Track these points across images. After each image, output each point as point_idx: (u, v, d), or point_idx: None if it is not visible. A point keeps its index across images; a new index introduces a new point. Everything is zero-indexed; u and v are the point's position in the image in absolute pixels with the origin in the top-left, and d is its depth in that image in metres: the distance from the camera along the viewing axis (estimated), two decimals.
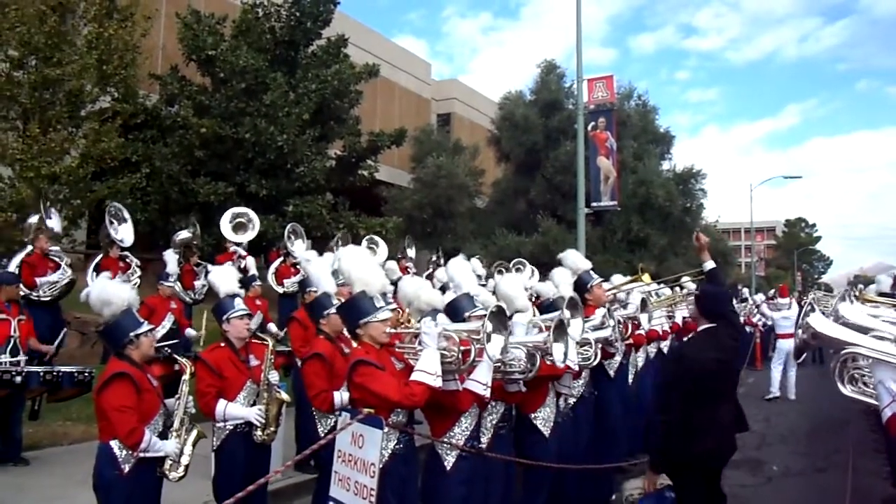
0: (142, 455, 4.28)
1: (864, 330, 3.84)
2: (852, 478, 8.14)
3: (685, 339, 8.79)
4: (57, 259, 9.27)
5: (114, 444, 4.25)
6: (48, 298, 9.04)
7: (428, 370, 4.15)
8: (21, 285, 8.52)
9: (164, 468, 4.43)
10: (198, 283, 10.94)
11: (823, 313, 4.32)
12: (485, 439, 5.08)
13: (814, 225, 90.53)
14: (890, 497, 7.07)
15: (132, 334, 4.41)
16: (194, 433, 4.63)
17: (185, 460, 4.51)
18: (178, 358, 5.11)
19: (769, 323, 23.42)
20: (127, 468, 4.26)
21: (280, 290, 12.16)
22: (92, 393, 4.35)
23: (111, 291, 4.47)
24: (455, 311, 5.05)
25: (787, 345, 14.24)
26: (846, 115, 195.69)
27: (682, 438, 4.70)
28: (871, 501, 7.22)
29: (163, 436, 4.46)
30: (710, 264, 5.84)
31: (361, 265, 4.77)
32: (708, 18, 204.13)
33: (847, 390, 3.84)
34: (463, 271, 5.68)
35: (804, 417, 12.28)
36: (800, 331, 4.18)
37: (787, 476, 8.71)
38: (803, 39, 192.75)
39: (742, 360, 17.05)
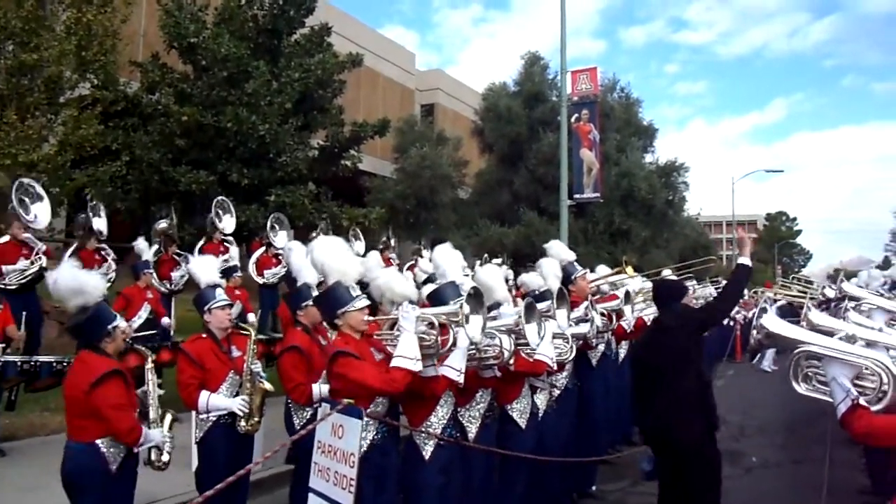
0: (136, 450, 4.26)
1: (831, 332, 3.91)
2: (829, 469, 8.22)
3: None
4: (32, 245, 9.12)
5: (100, 442, 4.15)
6: (14, 287, 8.82)
7: (407, 355, 4.14)
8: None
9: (150, 459, 4.41)
10: (175, 274, 10.79)
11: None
12: (473, 428, 5.11)
13: (794, 219, 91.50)
14: (865, 487, 7.15)
15: (110, 326, 4.29)
16: (168, 417, 4.62)
17: (167, 447, 4.50)
18: (139, 348, 5.06)
19: (749, 316, 23.68)
20: (115, 466, 4.20)
21: (260, 280, 12.08)
22: (72, 390, 4.20)
23: (84, 280, 4.29)
24: (440, 299, 5.03)
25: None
26: (832, 110, 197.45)
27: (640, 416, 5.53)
28: (847, 492, 7.30)
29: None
30: (744, 260, 5.32)
31: (336, 255, 4.74)
32: (699, 12, 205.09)
33: (801, 388, 3.90)
34: (450, 259, 5.66)
35: (782, 410, 12.38)
36: (754, 331, 4.21)
37: (765, 468, 8.80)
38: (792, 34, 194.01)
39: (720, 356, 17.26)
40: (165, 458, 4.50)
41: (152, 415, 4.51)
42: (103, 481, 4.15)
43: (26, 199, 9.49)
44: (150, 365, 4.73)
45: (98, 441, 4.15)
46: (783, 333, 3.95)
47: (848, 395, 3.44)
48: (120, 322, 4.43)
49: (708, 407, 5.22)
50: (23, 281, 8.91)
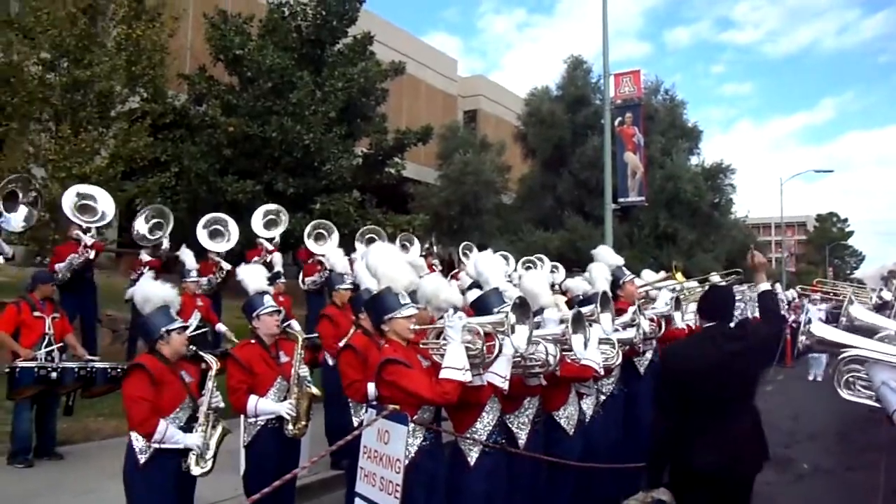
0: (157, 446, 4.36)
1: (874, 331, 3.84)
2: (885, 476, 8.03)
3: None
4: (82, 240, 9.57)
5: (133, 434, 4.38)
6: (66, 279, 9.27)
7: (456, 366, 4.16)
8: None
9: (187, 462, 4.48)
10: (203, 279, 10.97)
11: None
12: (523, 434, 5.12)
13: (846, 219, 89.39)
14: None
15: (163, 329, 4.54)
16: (220, 429, 4.66)
17: (209, 455, 4.55)
18: (204, 355, 5.17)
19: (801, 320, 23.23)
20: (143, 459, 4.35)
21: (303, 287, 12.20)
22: None
23: (148, 289, 4.70)
24: (483, 306, 5.05)
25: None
26: (884, 107, 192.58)
27: (680, 450, 4.32)
28: None
29: (188, 430, 4.53)
30: (763, 286, 4.86)
31: (388, 261, 4.80)
32: (745, 11, 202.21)
33: (845, 394, 3.84)
34: (491, 266, 5.66)
35: (834, 415, 12.12)
36: (803, 337, 4.20)
37: (816, 474, 8.62)
38: (842, 31, 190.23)
39: (769, 362, 16.92)
40: (204, 467, 4.50)
41: (200, 419, 4.61)
42: (134, 474, 4.36)
43: (89, 203, 9.99)
44: (213, 372, 4.80)
45: (132, 433, 4.39)
46: (829, 337, 3.90)
47: None
48: (175, 326, 4.60)
49: (763, 438, 4.57)
50: (73, 270, 9.27)
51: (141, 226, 11.19)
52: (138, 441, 4.36)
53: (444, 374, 4.18)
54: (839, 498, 7.63)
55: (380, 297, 4.63)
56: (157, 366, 4.47)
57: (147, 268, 9.96)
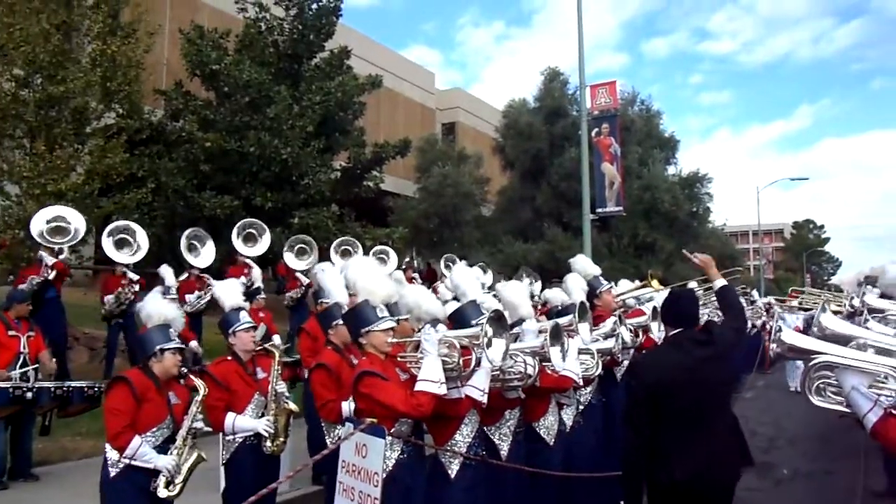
0: (127, 461, 4.32)
1: (846, 339, 3.89)
2: (864, 480, 8.10)
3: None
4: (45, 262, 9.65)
5: (108, 446, 4.39)
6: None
7: (431, 378, 4.17)
8: None
9: (156, 482, 4.40)
10: (190, 296, 10.90)
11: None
12: (505, 446, 5.16)
13: (822, 226, 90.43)
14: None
15: (158, 347, 4.54)
16: (195, 455, 4.57)
17: (179, 479, 4.45)
18: (195, 380, 5.10)
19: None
20: (114, 472, 4.34)
21: (285, 302, 12.18)
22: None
23: (152, 308, 4.76)
24: (461, 319, 5.06)
25: None
26: (859, 114, 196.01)
27: (656, 465, 4.08)
28: (882, 502, 7.19)
29: (164, 451, 4.46)
30: (719, 282, 4.79)
31: (367, 274, 4.81)
32: (721, 22, 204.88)
33: (816, 400, 3.89)
34: (468, 278, 5.70)
35: (814, 420, 12.21)
36: (773, 345, 4.22)
37: (796, 479, 8.69)
38: (817, 40, 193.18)
39: (749, 367, 17.04)
40: (172, 491, 4.42)
41: (178, 441, 4.55)
42: (104, 483, 4.37)
43: (63, 224, 10.11)
44: (199, 397, 4.70)
45: (107, 445, 4.40)
46: (798, 345, 3.95)
47: (877, 403, 3.40)
48: (170, 345, 4.57)
49: (742, 443, 4.41)
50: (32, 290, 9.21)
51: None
52: (112, 454, 4.35)
53: (419, 386, 4.18)
54: (819, 501, 7.68)
55: (358, 310, 4.63)
56: (143, 381, 4.45)
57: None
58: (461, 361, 4.37)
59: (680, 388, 4.06)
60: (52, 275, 9.53)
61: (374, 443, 4.04)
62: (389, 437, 4.16)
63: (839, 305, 9.51)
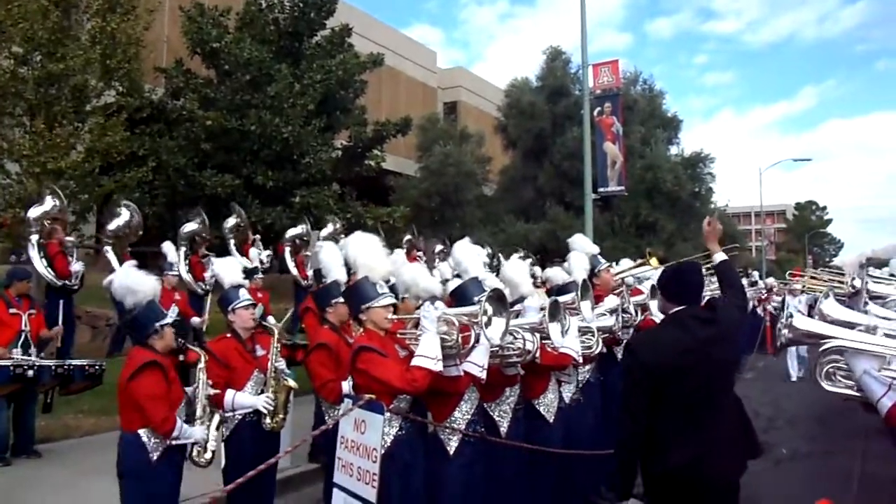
0: (172, 442, 4.35)
1: (850, 325, 3.84)
2: (862, 461, 8.12)
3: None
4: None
5: (142, 432, 4.30)
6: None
7: (428, 354, 4.17)
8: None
9: (192, 455, 4.51)
10: (207, 275, 10.96)
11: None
12: (505, 423, 5.16)
13: (824, 207, 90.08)
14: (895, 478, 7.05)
15: (158, 324, 4.49)
16: (216, 418, 4.74)
17: (211, 445, 4.61)
18: (191, 347, 5.15)
19: (782, 307, 23.43)
20: (156, 456, 4.32)
21: (304, 283, 12.10)
22: (119, 383, 4.39)
23: (137, 280, 4.57)
24: (463, 296, 5.05)
25: None
26: (864, 96, 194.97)
27: (653, 454, 3.76)
28: (881, 483, 7.21)
29: (187, 423, 4.53)
30: (719, 256, 4.50)
31: (367, 251, 4.81)
32: (726, 1, 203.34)
33: (826, 385, 3.84)
34: (469, 255, 5.68)
35: (814, 401, 12.24)
36: (785, 330, 4.11)
37: (795, 459, 8.70)
38: (822, 20, 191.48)
39: (749, 348, 17.07)
40: (208, 455, 4.61)
41: (199, 412, 4.62)
42: (145, 470, 4.29)
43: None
44: (202, 364, 4.80)
45: (140, 431, 4.31)
46: (813, 330, 3.88)
47: (891, 387, 3.35)
48: (168, 319, 4.58)
49: (750, 432, 4.07)
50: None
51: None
52: (150, 438, 4.31)
53: (415, 361, 4.18)
54: (817, 482, 7.70)
55: (357, 286, 4.63)
56: (165, 362, 4.45)
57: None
58: (460, 339, 4.37)
59: (681, 371, 3.70)
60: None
61: (372, 419, 4.04)
62: (388, 413, 4.16)
63: (840, 285, 9.51)
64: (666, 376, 3.71)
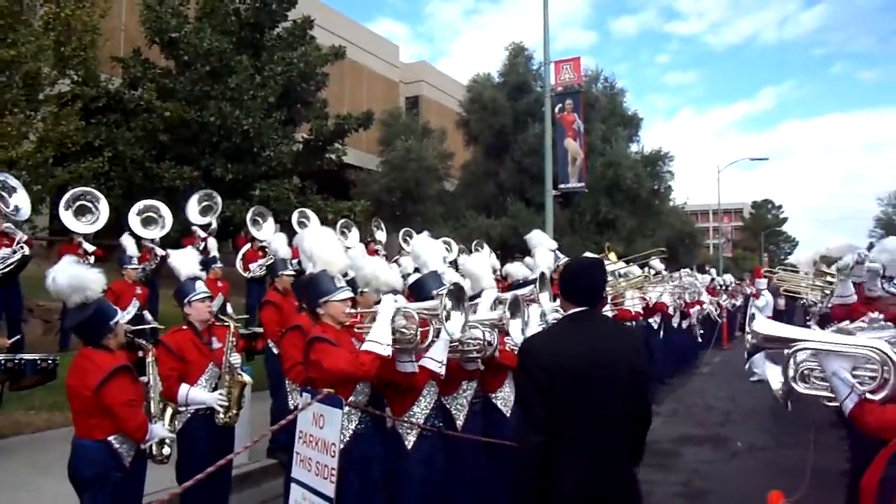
0: (143, 446, 4.27)
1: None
2: (813, 453, 8.26)
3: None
4: (13, 235, 9.12)
5: (113, 439, 4.16)
6: None
7: (378, 340, 4.15)
8: None
9: (153, 453, 4.43)
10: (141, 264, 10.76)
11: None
12: (461, 416, 5.17)
13: (780, 206, 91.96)
14: (844, 470, 7.21)
15: (112, 322, 4.28)
16: (169, 411, 4.67)
17: (168, 440, 4.54)
18: (142, 342, 5.06)
19: (736, 304, 23.88)
20: (128, 462, 4.23)
21: (247, 275, 12.06)
22: (79, 388, 4.16)
23: (86, 277, 4.23)
24: (421, 290, 5.04)
25: None
26: (820, 98, 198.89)
27: (545, 475, 3.18)
28: (831, 475, 7.35)
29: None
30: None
31: (324, 244, 4.77)
32: (689, 2, 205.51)
33: (801, 388, 3.80)
34: (429, 249, 5.68)
35: (769, 395, 12.42)
36: (748, 336, 4.03)
37: (750, 452, 8.87)
38: (782, 23, 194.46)
39: (706, 343, 17.34)
40: (167, 451, 4.54)
41: (153, 409, 4.54)
42: (117, 478, 4.16)
43: (4, 193, 9.45)
44: (151, 359, 4.72)
45: (111, 438, 4.17)
46: (775, 334, 3.83)
47: (853, 390, 3.35)
48: (120, 316, 4.44)
49: (637, 454, 3.49)
50: (5, 270, 8.87)
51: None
52: (122, 444, 4.19)
53: (364, 346, 4.17)
54: (771, 474, 7.83)
55: (315, 279, 4.59)
56: (128, 363, 4.32)
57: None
58: (419, 334, 4.35)
59: (577, 379, 3.18)
60: (27, 250, 9.18)
61: (331, 413, 4.01)
62: (347, 408, 4.13)
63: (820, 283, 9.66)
64: (561, 383, 3.18)
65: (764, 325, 3.83)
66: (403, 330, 4.30)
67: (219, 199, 12.62)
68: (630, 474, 3.29)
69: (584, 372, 3.18)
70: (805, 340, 3.64)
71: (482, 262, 6.15)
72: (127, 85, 17.82)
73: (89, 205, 10.82)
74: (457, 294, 4.46)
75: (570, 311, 3.42)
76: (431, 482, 4.65)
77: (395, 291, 4.95)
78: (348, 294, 4.55)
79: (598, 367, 3.18)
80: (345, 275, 4.86)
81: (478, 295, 5.61)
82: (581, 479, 3.13)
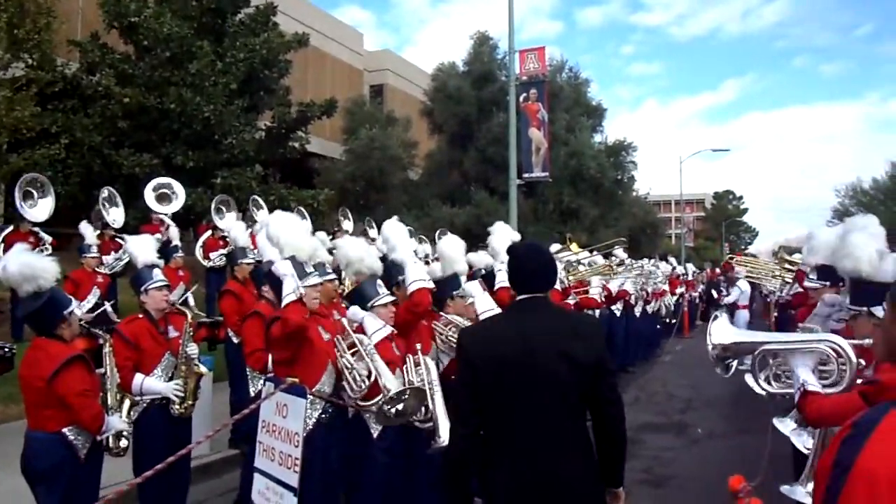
0: (99, 437, 4.17)
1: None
2: (772, 440, 8.38)
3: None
4: None
5: (68, 430, 4.06)
6: None
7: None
8: None
9: (109, 445, 4.34)
10: (108, 258, 10.53)
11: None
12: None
13: (741, 197, 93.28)
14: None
15: (66, 312, 4.15)
16: (127, 402, 4.60)
17: (125, 433, 4.47)
18: (98, 332, 4.95)
19: (697, 293, 24.22)
20: (83, 454, 4.12)
21: (207, 263, 11.89)
22: (32, 379, 4.06)
23: (39, 266, 4.09)
24: (361, 296, 5.04)
25: (744, 315, 14.95)
26: (782, 90, 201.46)
27: (478, 464, 3.02)
28: (788, 461, 7.47)
29: None
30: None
31: (291, 230, 4.73)
32: None
33: (774, 388, 3.82)
34: (399, 234, 5.68)
35: (730, 383, 12.59)
36: (709, 346, 3.97)
37: (711, 438, 8.98)
38: (745, 15, 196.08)
39: (668, 333, 17.56)
40: (124, 443, 4.46)
41: (110, 400, 4.45)
42: (72, 470, 4.07)
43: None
44: (108, 349, 4.62)
45: (65, 430, 4.07)
46: (740, 340, 3.82)
47: (803, 384, 3.41)
48: (75, 307, 4.32)
49: (589, 470, 3.02)
50: None
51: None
52: (77, 436, 4.09)
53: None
54: (730, 460, 7.94)
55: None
56: (83, 353, 4.21)
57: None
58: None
59: (501, 367, 2.97)
60: None
61: (295, 402, 3.96)
62: (310, 397, 4.09)
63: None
64: (486, 375, 2.99)
65: (723, 334, 3.80)
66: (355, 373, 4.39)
67: (178, 189, 12.38)
68: (577, 466, 2.93)
69: (512, 362, 2.94)
70: (767, 343, 3.67)
71: (457, 245, 6.18)
72: (84, 70, 17.45)
73: (34, 191, 10.55)
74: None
75: (517, 298, 3.16)
76: (395, 470, 4.63)
77: (375, 276, 4.97)
78: (317, 280, 4.53)
79: (528, 355, 2.91)
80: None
81: (451, 277, 5.67)
82: (511, 470, 2.91)
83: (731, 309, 16.84)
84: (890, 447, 1.52)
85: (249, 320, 5.55)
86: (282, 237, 4.70)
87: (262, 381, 5.37)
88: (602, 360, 2.95)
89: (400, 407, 4.39)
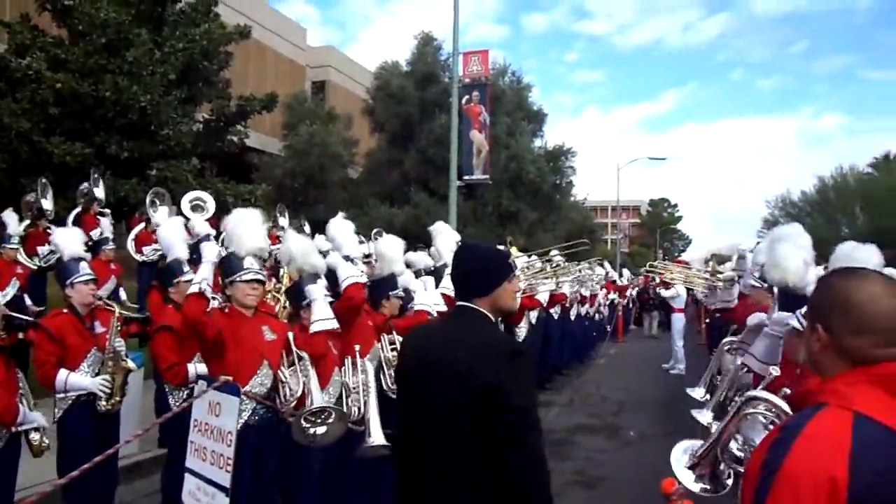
0: (15, 430, 4.02)
1: None
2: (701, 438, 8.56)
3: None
4: None
5: None
6: None
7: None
8: None
9: (30, 441, 4.22)
10: (42, 249, 10.16)
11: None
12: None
13: (676, 205, 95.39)
14: None
15: None
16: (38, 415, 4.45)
17: (42, 427, 4.38)
18: (23, 322, 4.77)
19: (630, 299, 24.66)
20: (2, 444, 4.05)
21: (140, 258, 11.57)
22: None
23: None
24: (298, 293, 5.02)
25: (680, 318, 15.17)
26: (720, 102, 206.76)
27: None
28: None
29: None
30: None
31: (239, 225, 4.67)
32: (600, 3, 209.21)
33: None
34: (345, 231, 5.68)
35: (661, 386, 12.88)
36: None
37: (642, 440, 9.11)
38: (686, 28, 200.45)
39: (602, 336, 17.84)
40: (48, 441, 4.37)
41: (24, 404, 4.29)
42: None
43: None
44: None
45: None
46: (699, 455, 3.62)
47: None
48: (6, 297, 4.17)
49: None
50: None
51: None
52: None
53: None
54: (662, 462, 8.05)
55: (225, 260, 4.50)
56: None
57: None
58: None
59: (407, 381, 2.82)
60: None
61: (228, 401, 3.87)
62: (243, 396, 4.01)
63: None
64: (398, 384, 2.92)
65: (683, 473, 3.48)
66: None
67: (209, 202, 12.04)
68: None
69: (411, 375, 2.75)
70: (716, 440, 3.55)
71: (396, 245, 6.21)
72: (13, 52, 16.82)
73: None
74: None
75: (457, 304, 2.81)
76: (332, 471, 4.58)
77: (316, 276, 4.93)
78: (252, 276, 4.44)
79: (424, 370, 2.66)
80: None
81: (389, 277, 5.68)
82: (406, 484, 2.69)
83: (667, 308, 17.17)
84: (813, 450, 1.56)
85: (158, 336, 5.29)
86: (229, 231, 4.67)
87: (182, 393, 5.28)
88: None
89: (321, 430, 4.32)
